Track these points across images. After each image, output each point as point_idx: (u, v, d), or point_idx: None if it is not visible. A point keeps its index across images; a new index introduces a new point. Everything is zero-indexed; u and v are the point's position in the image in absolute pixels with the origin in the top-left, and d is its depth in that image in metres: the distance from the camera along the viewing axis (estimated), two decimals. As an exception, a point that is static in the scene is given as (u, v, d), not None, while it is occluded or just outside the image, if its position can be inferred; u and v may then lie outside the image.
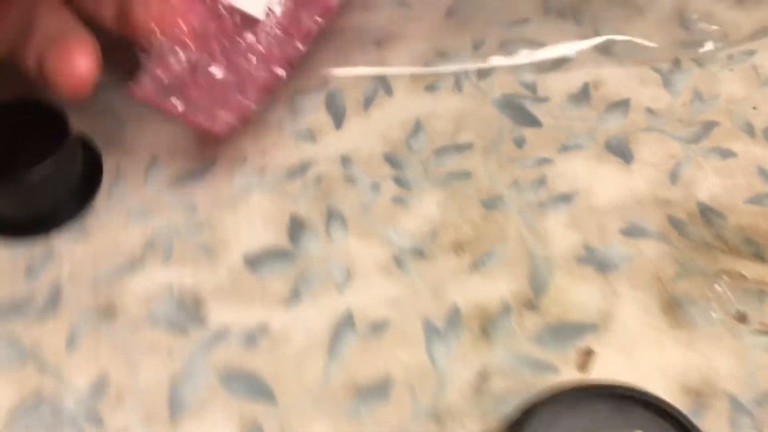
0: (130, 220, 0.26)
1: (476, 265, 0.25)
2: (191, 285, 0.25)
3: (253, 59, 0.25)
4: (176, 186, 0.27)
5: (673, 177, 0.27)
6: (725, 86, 0.30)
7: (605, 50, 0.31)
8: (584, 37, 0.31)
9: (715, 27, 0.32)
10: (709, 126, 0.29)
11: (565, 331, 0.24)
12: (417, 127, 0.29)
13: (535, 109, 0.29)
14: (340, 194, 0.27)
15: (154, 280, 0.25)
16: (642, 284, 0.25)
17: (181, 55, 0.24)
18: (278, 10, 0.25)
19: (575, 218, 0.26)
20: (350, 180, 0.27)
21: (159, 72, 0.24)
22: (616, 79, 0.30)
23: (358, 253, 0.25)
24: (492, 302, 0.24)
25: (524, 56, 0.31)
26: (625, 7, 0.32)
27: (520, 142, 0.28)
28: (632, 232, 0.26)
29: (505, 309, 0.24)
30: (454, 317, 0.24)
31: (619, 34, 0.31)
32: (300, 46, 0.26)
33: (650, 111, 0.29)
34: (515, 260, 0.25)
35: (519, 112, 0.29)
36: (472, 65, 0.30)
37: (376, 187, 0.27)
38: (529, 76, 0.30)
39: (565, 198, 0.27)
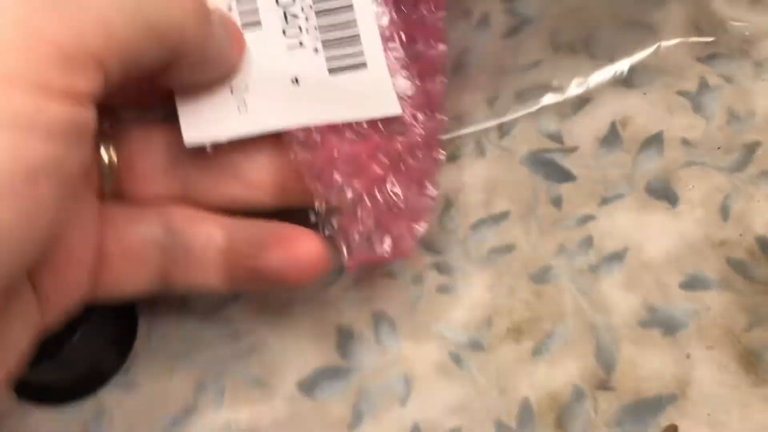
0: (175, 361, 0.25)
1: (539, 350, 0.24)
2: (249, 423, 0.24)
3: (418, 154, 0.23)
4: (214, 314, 0.26)
5: (724, 213, 0.26)
6: (761, 100, 0.28)
7: (626, 81, 0.29)
8: (601, 68, 0.30)
9: (736, 30, 0.30)
10: (751, 148, 0.27)
11: (643, 409, 0.23)
12: (447, 204, 0.27)
13: (567, 162, 0.28)
14: (382, 293, 0.26)
15: (212, 424, 0.24)
16: (714, 341, 0.24)
17: (362, 198, 0.22)
18: (410, 93, 0.23)
19: (631, 278, 0.25)
20: (390, 275, 0.26)
21: (354, 229, 0.22)
22: (642, 112, 0.29)
23: (413, 357, 0.24)
24: (563, 389, 0.23)
25: (546, 100, 0.29)
26: (637, 27, 0.30)
27: (557, 202, 0.27)
28: (693, 284, 0.25)
29: (578, 394, 0.23)
30: (527, 413, 0.23)
31: (636, 60, 0.30)
32: (441, 117, 0.24)
33: (686, 142, 0.28)
34: (578, 337, 0.24)
35: (550, 167, 0.28)
36: (492, 124, 0.29)
37: (417, 279, 0.26)
38: (552, 124, 0.29)
39: (617, 256, 0.26)
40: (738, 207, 0.26)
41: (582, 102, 0.29)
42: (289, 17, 0.22)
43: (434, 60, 0.25)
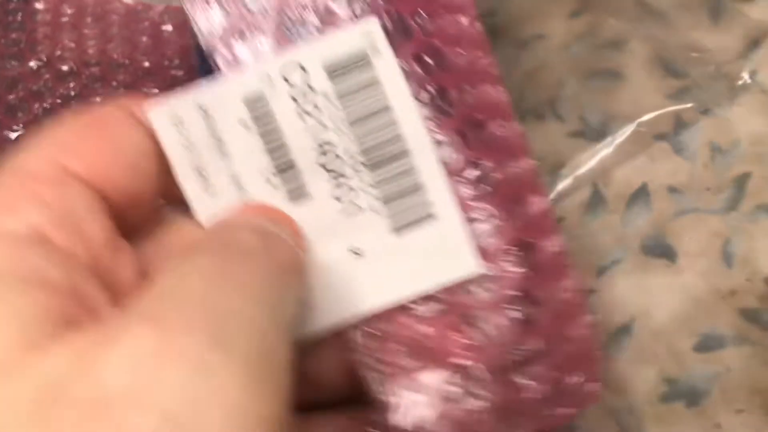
0: None
1: (562, 449, 0.23)
2: None
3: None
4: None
5: (728, 259, 0.25)
6: (742, 126, 0.27)
7: (598, 136, 0.29)
8: (572, 131, 0.29)
9: (697, 54, 0.29)
10: (741, 181, 0.26)
11: (682, 494, 0.22)
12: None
13: (554, 237, 0.27)
14: None
15: None
16: (742, 403, 0.23)
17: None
18: (493, 235, 0.19)
19: (642, 350, 0.24)
20: None
21: None
22: (623, 166, 0.28)
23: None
24: (594, 488, 0.23)
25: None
26: (601, 76, 0.30)
27: (553, 281, 0.26)
28: (707, 344, 0.24)
29: (610, 491, 0.22)
30: None
31: (606, 112, 0.29)
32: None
33: (673, 190, 0.27)
34: (598, 425, 0.23)
35: (539, 246, 0.27)
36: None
37: None
38: (534, 197, 0.28)
39: (624, 330, 0.25)
40: (740, 249, 0.25)
41: (556, 167, 0.28)
42: (339, 179, 0.19)
43: (518, 181, 0.20)
